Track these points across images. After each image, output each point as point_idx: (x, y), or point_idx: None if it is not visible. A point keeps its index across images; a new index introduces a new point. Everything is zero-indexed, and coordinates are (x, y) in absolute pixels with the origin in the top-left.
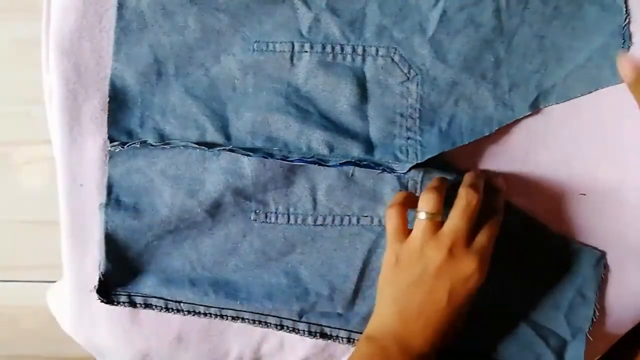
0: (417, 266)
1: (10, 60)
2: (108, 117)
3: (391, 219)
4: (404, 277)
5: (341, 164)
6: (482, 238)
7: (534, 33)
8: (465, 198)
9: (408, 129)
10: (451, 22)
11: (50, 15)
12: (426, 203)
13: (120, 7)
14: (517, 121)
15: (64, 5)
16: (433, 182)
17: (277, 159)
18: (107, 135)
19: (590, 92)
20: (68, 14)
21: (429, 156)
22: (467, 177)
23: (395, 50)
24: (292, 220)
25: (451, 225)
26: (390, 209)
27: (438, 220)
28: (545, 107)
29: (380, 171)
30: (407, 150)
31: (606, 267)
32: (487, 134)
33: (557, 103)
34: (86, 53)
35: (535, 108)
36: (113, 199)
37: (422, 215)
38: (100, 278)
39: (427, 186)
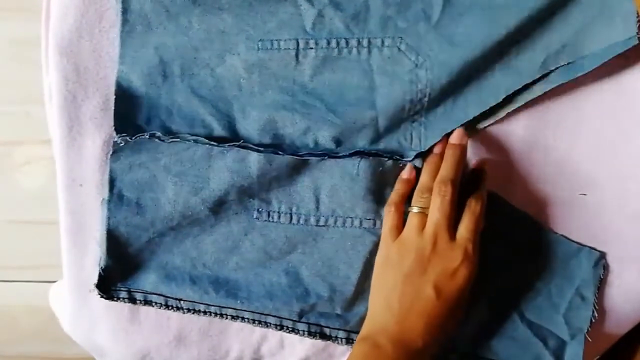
0: (406, 263)
1: (9, 60)
2: (114, 116)
3: (387, 218)
4: (394, 274)
5: (350, 155)
6: (463, 229)
7: None
8: (438, 193)
9: (415, 113)
10: (455, 6)
11: (49, 15)
12: (419, 200)
13: (125, 11)
14: (516, 121)
15: (64, 5)
16: (424, 178)
17: (288, 154)
18: (106, 136)
19: (601, 48)
20: (68, 14)
21: (432, 142)
22: (441, 171)
23: (401, 39)
24: (294, 220)
25: (431, 221)
26: (388, 207)
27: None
28: (556, 68)
29: (387, 159)
30: (411, 135)
31: (606, 267)
32: (494, 103)
33: (567, 63)
34: (86, 53)
35: (544, 70)
36: (115, 193)
37: (415, 210)
38: (100, 273)
39: (421, 182)
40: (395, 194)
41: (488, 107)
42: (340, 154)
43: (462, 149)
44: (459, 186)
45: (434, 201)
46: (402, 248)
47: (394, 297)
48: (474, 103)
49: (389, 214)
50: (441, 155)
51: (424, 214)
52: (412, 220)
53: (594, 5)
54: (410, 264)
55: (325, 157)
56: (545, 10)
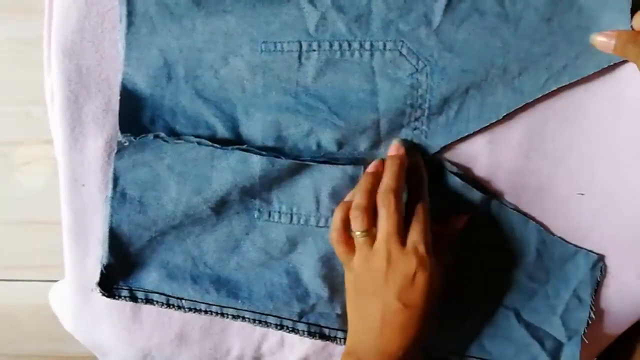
0: (368, 282)
1: (10, 60)
2: (119, 116)
3: (336, 248)
4: (361, 294)
5: (351, 161)
6: (412, 234)
7: (540, 16)
8: (383, 204)
9: (416, 119)
10: (455, 12)
11: (52, 16)
12: (355, 223)
13: (130, 13)
14: (515, 121)
15: (66, 5)
16: (356, 198)
17: (290, 158)
18: (108, 136)
19: (602, 69)
20: (70, 15)
21: (432, 152)
22: (383, 181)
23: (403, 43)
24: (294, 220)
25: (380, 235)
26: (332, 236)
27: (374, 233)
28: (557, 87)
29: None
30: (412, 142)
31: (603, 270)
32: (494, 120)
33: (569, 82)
34: (88, 54)
35: (546, 90)
36: (118, 192)
37: (357, 234)
38: (102, 271)
39: (353, 203)
40: (336, 215)
41: (488, 124)
42: (341, 160)
43: (401, 159)
44: (402, 195)
45: (380, 213)
46: (362, 270)
47: (366, 316)
48: (475, 119)
49: (334, 243)
50: (374, 174)
51: (368, 235)
52: (360, 244)
53: (592, 28)
54: (373, 282)
55: (327, 165)
56: (540, 25)
